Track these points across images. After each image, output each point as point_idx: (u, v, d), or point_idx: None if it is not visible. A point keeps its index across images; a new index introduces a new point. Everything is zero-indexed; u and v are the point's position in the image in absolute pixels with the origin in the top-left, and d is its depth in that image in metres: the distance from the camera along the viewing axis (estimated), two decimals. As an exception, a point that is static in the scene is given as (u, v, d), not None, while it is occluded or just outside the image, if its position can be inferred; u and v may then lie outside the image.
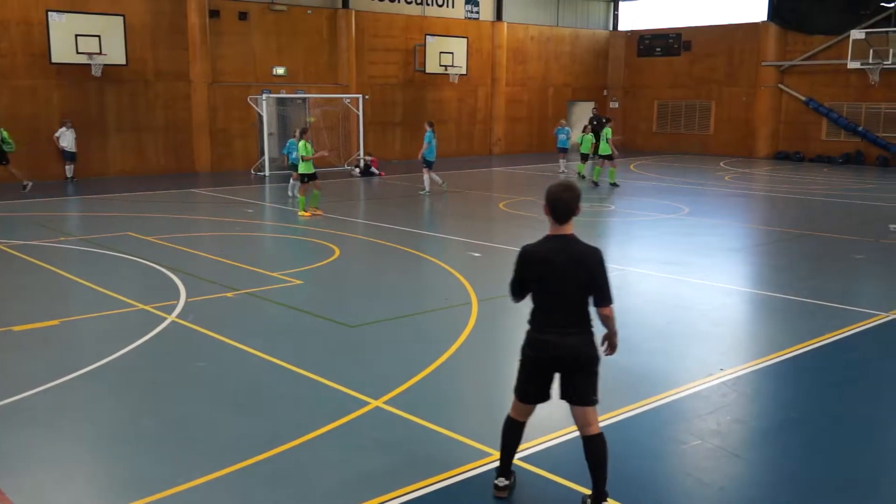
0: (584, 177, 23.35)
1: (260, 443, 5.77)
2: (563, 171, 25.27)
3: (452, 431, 5.98)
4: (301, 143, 16.71)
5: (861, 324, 8.94)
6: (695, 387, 6.99)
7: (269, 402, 6.67)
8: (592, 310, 4.85)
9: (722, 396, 6.81)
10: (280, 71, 26.74)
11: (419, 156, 19.96)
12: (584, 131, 23.91)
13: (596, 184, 22.14)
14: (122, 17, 22.83)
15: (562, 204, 4.70)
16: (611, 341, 5.04)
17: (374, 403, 6.52)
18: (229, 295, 10.12)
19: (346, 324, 8.94)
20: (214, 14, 25.01)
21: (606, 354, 5.00)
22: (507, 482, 5.04)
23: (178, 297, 9.85)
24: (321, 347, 8.18)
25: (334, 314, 9.26)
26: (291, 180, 19.14)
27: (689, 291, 10.64)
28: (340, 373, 7.25)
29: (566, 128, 26.43)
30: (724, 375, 7.27)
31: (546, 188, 4.82)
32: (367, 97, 27.69)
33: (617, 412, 6.40)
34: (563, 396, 4.90)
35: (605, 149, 22.09)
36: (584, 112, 35.68)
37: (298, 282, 10.83)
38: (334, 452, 5.69)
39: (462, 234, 14.14)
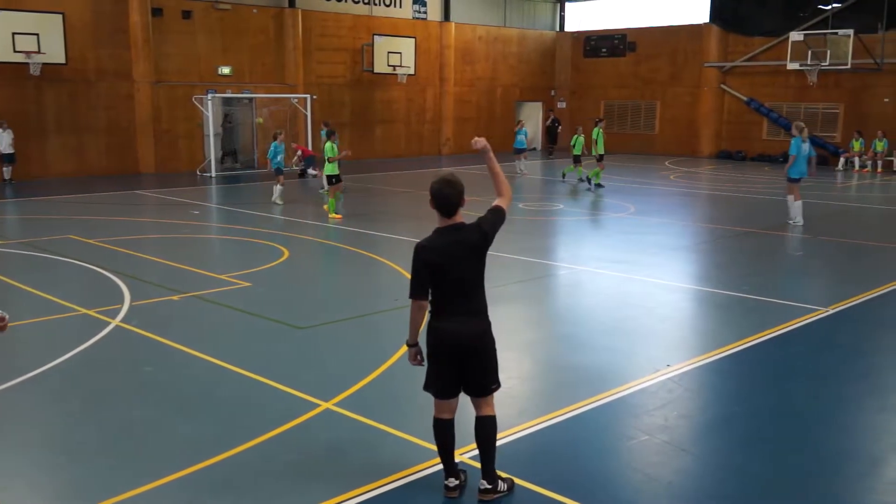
0: (582, 179, 22.50)
1: (207, 448, 5.68)
2: (520, 172, 25.25)
3: (404, 432, 5.97)
4: (328, 145, 16.37)
5: (801, 319, 9.17)
6: (642, 383, 7.09)
7: (216, 407, 6.58)
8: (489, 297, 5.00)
9: (668, 392, 6.92)
10: (226, 70, 26.39)
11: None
12: (576, 133, 22.90)
13: (601, 185, 21.58)
14: (61, 15, 22.28)
15: (446, 198, 4.80)
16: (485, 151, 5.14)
17: (324, 405, 6.48)
18: (175, 298, 9.95)
19: (296, 325, 8.86)
20: (157, 12, 24.58)
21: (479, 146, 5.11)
22: (457, 482, 5.06)
23: (122, 301, 9.65)
24: (270, 350, 8.09)
25: (283, 316, 9.17)
26: (277, 185, 18.40)
27: (637, 289, 10.79)
28: (290, 375, 7.18)
29: (525, 128, 26.43)
30: (671, 371, 7.39)
31: (430, 184, 4.88)
32: (314, 97, 27.49)
33: (565, 410, 6.45)
34: (466, 390, 5.01)
35: (600, 149, 21.85)
36: (532, 112, 36.01)
37: (246, 284, 10.70)
38: (284, 456, 5.63)
39: (412, 234, 14.10)
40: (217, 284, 10.65)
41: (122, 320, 8.89)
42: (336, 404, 6.51)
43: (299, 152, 23.96)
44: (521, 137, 25.89)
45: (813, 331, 8.88)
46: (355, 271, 12.28)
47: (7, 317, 4.56)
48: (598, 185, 21.54)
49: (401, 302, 9.79)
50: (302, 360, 7.82)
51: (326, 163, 16.37)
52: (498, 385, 5.07)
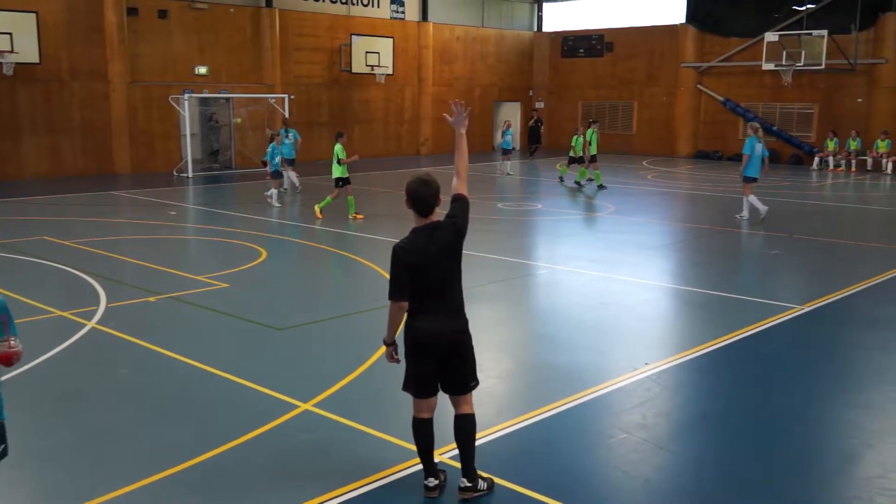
0: (580, 184, 22.02)
1: (186, 450, 5.64)
2: (502, 173, 25.05)
3: (383, 432, 5.96)
4: (338, 147, 16.10)
5: (777, 317, 9.26)
6: (620, 382, 7.13)
7: (194, 409, 6.53)
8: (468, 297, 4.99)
9: (646, 390, 6.96)
10: (202, 70, 26.21)
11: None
12: (576, 133, 22.43)
13: (602, 186, 21.47)
14: (34, 14, 22.02)
15: (421, 199, 4.82)
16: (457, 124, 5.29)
17: (303, 406, 6.45)
18: (152, 300, 9.87)
19: (274, 326, 8.82)
20: (133, 12, 24.37)
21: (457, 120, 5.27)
22: (436, 482, 5.06)
23: (98, 303, 9.56)
24: (248, 351, 8.05)
25: (262, 317, 9.12)
26: (273, 189, 18.03)
27: (616, 288, 10.84)
28: (268, 376, 7.15)
29: (510, 129, 26.29)
30: (649, 370, 7.43)
31: (406, 184, 4.89)
32: (292, 97, 27.37)
33: (544, 409, 6.47)
34: (445, 388, 5.01)
35: (593, 150, 21.79)
36: (510, 112, 36.06)
37: (224, 285, 10.63)
38: (263, 457, 5.60)
39: (390, 235, 14.07)
40: (194, 286, 10.57)
41: (98, 322, 8.80)
42: (315, 405, 6.49)
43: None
44: (507, 138, 25.64)
45: (788, 329, 8.97)
46: (334, 272, 12.24)
47: (21, 350, 4.22)
48: (601, 186, 21.41)
49: (380, 302, 9.79)
50: (280, 361, 7.78)
51: (336, 165, 16.05)
52: (476, 382, 5.08)
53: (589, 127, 22.66)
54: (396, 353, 5.11)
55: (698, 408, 6.79)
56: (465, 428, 5.03)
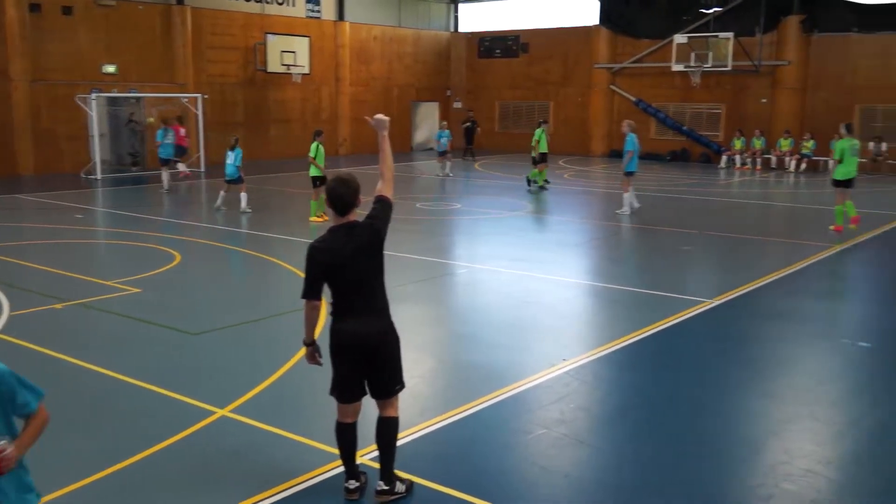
0: (531, 182, 21.61)
1: (97, 461, 5.45)
2: (445, 175, 24.79)
3: (302, 436, 5.89)
4: (314, 145, 15.72)
5: (690, 310, 9.54)
6: (539, 378, 7.23)
7: (107, 418, 6.33)
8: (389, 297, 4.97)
9: (565, 386, 7.08)
10: (110, 69, 25.38)
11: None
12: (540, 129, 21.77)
13: (543, 186, 21.39)
14: (-72, 9, 20.98)
15: (339, 198, 4.78)
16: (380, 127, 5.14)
17: (219, 412, 6.32)
18: (58, 307, 9.51)
19: (189, 331, 8.61)
20: (35, 8, 23.42)
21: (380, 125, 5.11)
22: (357, 484, 5.03)
23: (0, 312, 9.15)
24: (162, 358, 7.83)
25: (176, 322, 8.89)
26: (242, 194, 16.85)
27: (534, 286, 10.98)
28: (183, 383, 6.97)
29: (447, 130, 25.85)
30: (567, 365, 7.56)
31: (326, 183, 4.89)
32: (206, 97, 26.78)
33: (464, 407, 6.51)
34: (371, 393, 4.96)
35: (543, 148, 21.42)
36: (428, 113, 36.13)
37: (136, 290, 10.33)
38: (178, 466, 5.47)
39: (307, 236, 13.93)
40: (104, 291, 10.23)
41: (1, 331, 8.43)
42: (232, 411, 6.36)
43: (182, 132, 23.39)
44: (444, 140, 25.22)
45: (699, 322, 9.25)
46: (250, 274, 12.04)
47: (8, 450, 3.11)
48: (542, 187, 21.34)
49: (298, 305, 9.66)
50: (196, 367, 7.60)
51: (312, 165, 15.76)
52: (401, 386, 5.04)
53: (539, 127, 22.13)
54: (319, 354, 5.03)
55: (616, 401, 6.95)
56: (387, 431, 4.99)
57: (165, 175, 20.45)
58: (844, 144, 14.73)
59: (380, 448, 5.03)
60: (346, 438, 4.99)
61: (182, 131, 22.73)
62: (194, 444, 5.81)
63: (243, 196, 16.87)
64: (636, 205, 17.05)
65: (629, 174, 17.00)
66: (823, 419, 6.52)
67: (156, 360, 7.71)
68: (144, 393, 6.79)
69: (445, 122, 27.67)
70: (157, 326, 8.78)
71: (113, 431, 6.06)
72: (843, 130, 15.00)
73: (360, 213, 4.92)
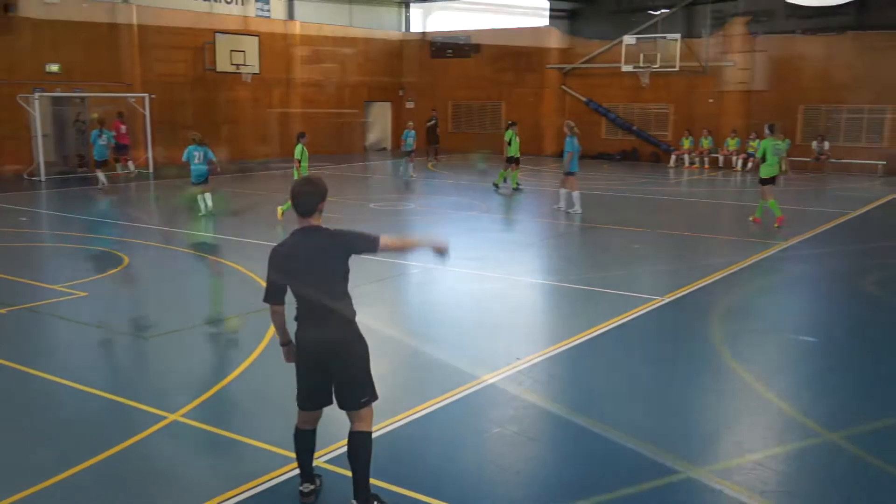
0: (496, 185, 21.34)
1: (44, 470, 5.33)
2: (410, 175, 24.40)
3: (255, 440, 5.83)
4: (298, 147, 15.52)
5: (641, 308, 9.67)
6: (494, 377, 7.25)
7: (54, 426, 6.18)
8: (357, 301, 4.86)
9: (518, 384, 7.12)
10: (54, 68, 24.78)
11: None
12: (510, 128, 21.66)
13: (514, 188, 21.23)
14: None
15: (301, 197, 4.67)
16: (435, 250, 5.17)
17: (171, 417, 6.22)
18: (2, 311, 9.26)
19: (139, 335, 8.46)
20: (-25, 5, 22.80)
21: (441, 254, 5.20)
22: (312, 487, 4.99)
23: (-60, 317, 8.90)
24: (111, 363, 7.69)
25: (125, 326, 8.72)
26: (206, 193, 15.70)
27: (488, 286, 11.03)
28: (134, 388, 6.86)
29: (412, 130, 25.56)
30: (521, 364, 7.60)
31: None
32: (153, 96, 26.31)
33: (418, 408, 6.51)
34: (337, 404, 4.80)
35: (515, 151, 21.22)
36: (381, 112, 36.02)
37: (83, 294, 10.11)
38: (130, 472, 5.37)
39: (261, 238, 13.80)
40: (49, 295, 10.00)
41: (-58, 338, 8.19)
42: (184, 415, 6.27)
43: (123, 128, 22.97)
44: (410, 140, 24.99)
45: (651, 318, 9.39)
46: (201, 277, 11.84)
47: None
48: (516, 188, 21.13)
49: (250, 307, 9.57)
50: (146, 371, 7.48)
51: (297, 166, 15.62)
52: (370, 398, 4.79)
53: (508, 128, 21.92)
54: (294, 353, 4.85)
55: (569, 398, 7.01)
56: (355, 446, 4.71)
57: (101, 174, 20.80)
58: (767, 144, 15.54)
59: (351, 464, 4.74)
60: (303, 444, 4.93)
61: (123, 128, 22.50)
62: (146, 449, 5.71)
63: (208, 196, 16.53)
64: (575, 207, 17.11)
65: (571, 174, 17.32)
66: (772, 412, 6.67)
67: (105, 365, 7.57)
68: (94, 399, 6.66)
69: (412, 123, 27.34)
70: (106, 331, 8.60)
71: (62, 438, 5.93)
72: (766, 130, 15.80)
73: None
